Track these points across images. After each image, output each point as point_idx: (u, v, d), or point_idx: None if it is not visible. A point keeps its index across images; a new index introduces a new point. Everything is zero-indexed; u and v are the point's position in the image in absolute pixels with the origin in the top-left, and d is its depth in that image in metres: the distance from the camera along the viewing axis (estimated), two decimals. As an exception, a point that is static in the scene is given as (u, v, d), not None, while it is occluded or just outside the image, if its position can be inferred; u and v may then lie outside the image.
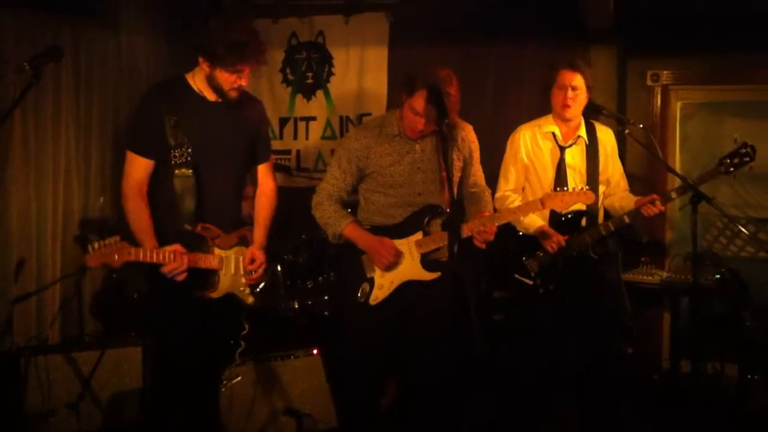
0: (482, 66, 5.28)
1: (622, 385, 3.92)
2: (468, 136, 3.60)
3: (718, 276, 4.34)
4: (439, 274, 3.42)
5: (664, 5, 4.73)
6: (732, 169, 3.73)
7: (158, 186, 3.17)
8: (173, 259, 3.03)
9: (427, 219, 3.45)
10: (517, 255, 3.96)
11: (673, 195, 3.75)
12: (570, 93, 3.85)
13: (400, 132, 3.47)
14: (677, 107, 5.24)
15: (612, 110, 4.38)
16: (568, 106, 3.86)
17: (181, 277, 3.06)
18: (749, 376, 4.22)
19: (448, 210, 3.45)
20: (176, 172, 3.11)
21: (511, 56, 5.25)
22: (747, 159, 3.71)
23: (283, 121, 5.74)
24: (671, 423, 4.18)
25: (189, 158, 3.10)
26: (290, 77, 5.74)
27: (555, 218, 3.91)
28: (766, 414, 4.13)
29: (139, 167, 3.14)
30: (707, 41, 4.84)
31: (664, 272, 4.61)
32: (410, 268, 3.44)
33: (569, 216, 3.88)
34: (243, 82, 3.14)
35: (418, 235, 3.44)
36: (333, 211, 3.50)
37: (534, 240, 3.89)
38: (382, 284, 3.44)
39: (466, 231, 3.36)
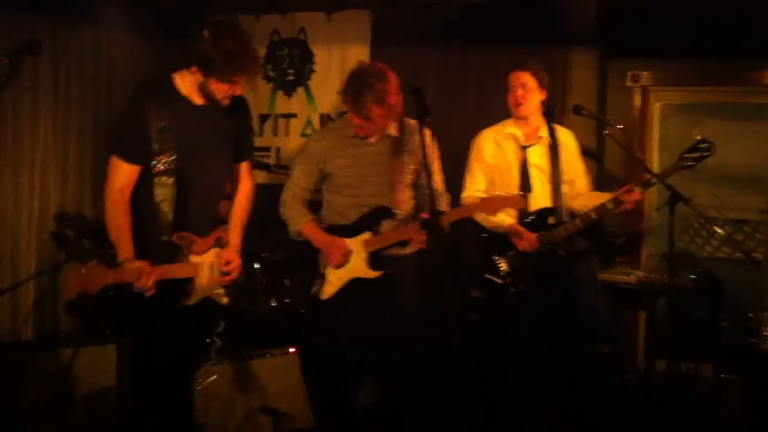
0: (463, 68, 5.29)
1: (599, 384, 3.95)
2: (424, 140, 3.64)
3: (693, 276, 4.37)
4: (382, 272, 3.57)
5: (645, 8, 4.75)
6: (691, 163, 3.78)
7: (137, 193, 3.08)
8: (139, 278, 2.96)
9: (376, 220, 3.60)
10: (487, 253, 3.98)
11: (653, 180, 3.81)
12: (520, 91, 3.95)
13: (355, 134, 3.58)
14: (656, 108, 5.28)
15: (592, 111, 4.42)
16: (520, 104, 3.99)
17: (148, 293, 2.98)
18: (723, 376, 4.25)
19: (398, 211, 3.59)
20: (156, 180, 3.03)
21: (492, 58, 5.24)
22: (706, 154, 3.76)
23: (263, 118, 5.71)
24: (646, 423, 4.20)
25: (171, 166, 3.03)
26: (271, 74, 5.71)
27: (522, 217, 3.96)
28: (739, 414, 4.16)
29: (124, 173, 3.05)
30: (687, 43, 4.86)
31: (640, 272, 4.62)
32: (357, 267, 3.61)
33: (535, 215, 3.94)
34: (237, 91, 3.08)
35: (367, 235, 3.60)
36: (295, 210, 3.70)
37: (503, 238, 3.92)
38: (332, 280, 3.63)
39: (402, 235, 3.54)
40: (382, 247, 3.58)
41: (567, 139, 4.10)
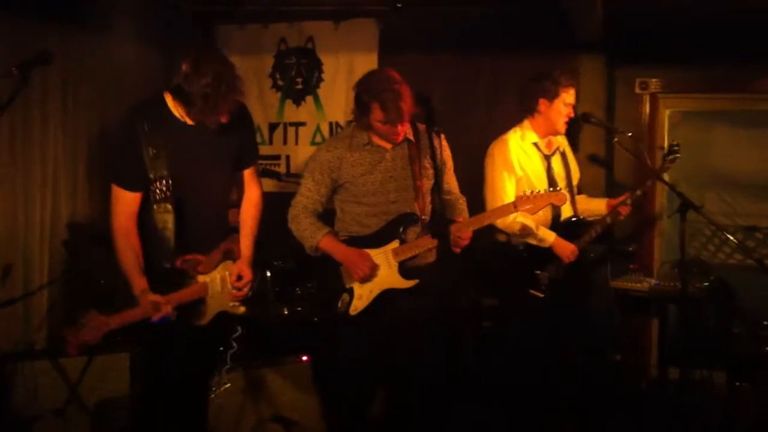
0: (473, 76, 5.29)
1: (611, 392, 3.95)
2: (440, 144, 3.58)
3: (706, 284, 4.35)
4: (417, 281, 3.43)
5: (653, 15, 4.76)
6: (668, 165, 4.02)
7: (139, 222, 3.06)
8: (155, 311, 2.93)
9: (402, 227, 3.47)
10: (528, 269, 3.97)
11: (638, 192, 3.95)
12: (570, 110, 3.92)
13: (370, 141, 3.49)
14: (665, 115, 5.27)
15: (601, 118, 4.42)
16: (567, 125, 3.95)
17: (174, 318, 2.98)
18: (737, 384, 4.23)
19: (424, 217, 3.48)
20: (155, 207, 3.00)
21: (501, 66, 5.25)
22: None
23: (272, 127, 5.73)
24: (659, 431, 4.19)
25: (169, 193, 2.99)
26: (280, 82, 5.73)
27: (555, 228, 3.97)
28: (753, 422, 4.14)
29: (127, 201, 3.03)
30: (696, 50, 4.86)
31: (653, 279, 4.62)
32: (388, 277, 3.46)
33: (565, 225, 3.97)
34: (223, 119, 3.01)
35: (395, 244, 3.46)
36: (309, 224, 3.52)
37: (543, 252, 3.89)
38: (361, 294, 3.46)
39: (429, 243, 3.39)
40: (412, 256, 3.44)
41: (562, 141, 4.13)
